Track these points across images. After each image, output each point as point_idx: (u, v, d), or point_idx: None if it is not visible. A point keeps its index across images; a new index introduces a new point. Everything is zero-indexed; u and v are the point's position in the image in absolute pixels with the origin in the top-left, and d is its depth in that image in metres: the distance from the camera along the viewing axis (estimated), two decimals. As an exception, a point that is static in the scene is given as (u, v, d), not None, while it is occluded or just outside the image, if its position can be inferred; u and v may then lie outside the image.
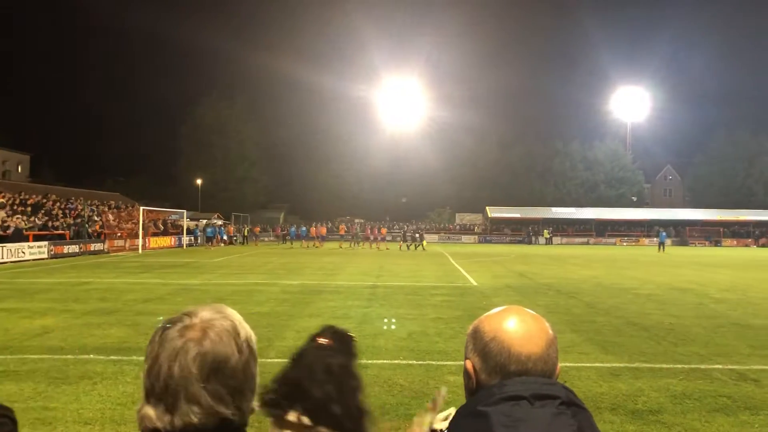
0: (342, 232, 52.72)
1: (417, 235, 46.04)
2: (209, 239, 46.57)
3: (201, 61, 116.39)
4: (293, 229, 51.78)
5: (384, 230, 52.26)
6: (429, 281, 18.97)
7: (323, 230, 52.04)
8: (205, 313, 1.22)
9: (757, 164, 78.06)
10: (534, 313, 1.29)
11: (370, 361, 7.82)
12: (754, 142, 78.83)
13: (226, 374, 1.15)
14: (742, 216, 68.72)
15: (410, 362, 7.82)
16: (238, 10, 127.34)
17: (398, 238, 51.44)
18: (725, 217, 68.46)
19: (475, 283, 18.64)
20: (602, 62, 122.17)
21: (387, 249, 43.69)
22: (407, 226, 56.87)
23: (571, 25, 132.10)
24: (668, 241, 63.09)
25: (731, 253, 46.78)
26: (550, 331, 1.26)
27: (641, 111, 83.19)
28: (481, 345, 1.23)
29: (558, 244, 62.37)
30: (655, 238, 65.45)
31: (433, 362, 7.82)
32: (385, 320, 11.02)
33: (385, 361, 7.85)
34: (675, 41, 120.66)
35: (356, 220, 72.24)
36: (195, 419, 1.12)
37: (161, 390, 1.14)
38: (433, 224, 72.31)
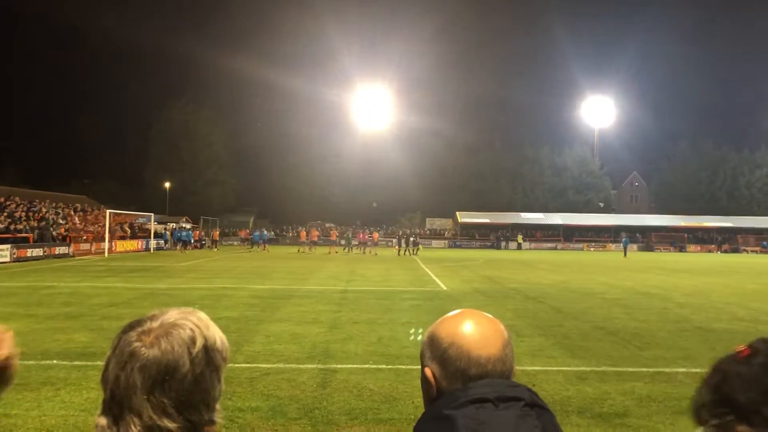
0: (333, 237, 50.83)
1: (412, 239, 45.92)
2: (184, 243, 46.33)
3: (170, 64, 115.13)
4: (257, 233, 51.02)
5: (376, 235, 51.26)
6: (399, 286, 19.00)
7: (315, 234, 49.68)
8: (167, 318, 1.17)
9: (720, 172, 79.93)
10: (488, 315, 1.30)
11: (339, 366, 7.80)
12: (717, 150, 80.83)
13: (173, 386, 1.10)
14: (706, 222, 70.14)
15: (380, 367, 7.82)
16: (208, 13, 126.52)
17: (393, 243, 50.95)
18: (689, 224, 69.80)
19: (444, 288, 18.71)
20: (570, 70, 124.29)
21: (376, 254, 43.04)
22: (402, 231, 55.23)
23: (541, 34, 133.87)
24: (633, 247, 64.32)
25: (695, 258, 47.72)
26: (505, 333, 1.27)
27: (608, 119, 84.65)
28: (439, 352, 1.23)
29: (527, 249, 62.96)
30: (622, 243, 66.72)
31: (403, 366, 7.82)
32: (412, 331, 10.69)
33: (354, 366, 7.84)
34: (641, 52, 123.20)
35: (327, 225, 72.08)
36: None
37: (109, 398, 1.11)
38: (403, 229, 72.48)
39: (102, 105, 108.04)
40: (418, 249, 45.65)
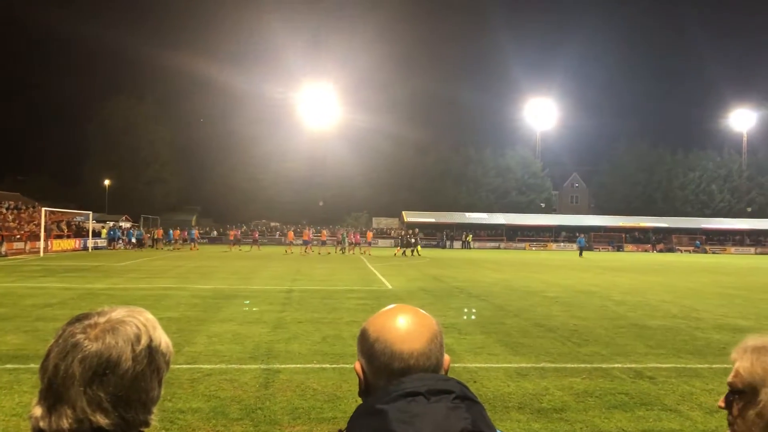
0: (324, 238, 48.78)
1: (413, 240, 44.12)
2: (139, 241, 46.27)
3: (110, 59, 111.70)
4: (171, 231, 50.29)
5: (370, 234, 48.82)
6: (345, 285, 18.98)
7: (306, 234, 46.87)
8: (115, 314, 1.17)
9: (656, 173, 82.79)
10: (419, 310, 1.32)
11: (283, 366, 7.75)
12: (653, 152, 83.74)
13: (112, 381, 1.09)
14: (642, 223, 72.51)
15: (324, 366, 7.80)
16: (149, 7, 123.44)
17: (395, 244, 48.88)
18: (627, 224, 72.01)
19: (390, 287, 18.80)
20: (513, 73, 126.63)
21: (370, 254, 42.44)
22: (403, 232, 50.48)
23: (485, 37, 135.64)
24: (573, 246, 65.79)
25: (632, 257, 49.22)
26: (435, 327, 1.28)
27: (550, 121, 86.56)
28: (366, 347, 1.27)
29: (472, 248, 63.86)
30: (563, 243, 68.33)
31: (347, 365, 7.82)
32: (465, 310, 11.20)
33: (298, 366, 7.80)
34: (581, 56, 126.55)
35: (272, 224, 71.33)
36: (65, 424, 1.07)
37: (46, 388, 1.10)
38: (350, 228, 72.42)
39: (37, 99, 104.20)
40: (417, 249, 43.34)
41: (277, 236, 65.46)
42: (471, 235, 66.35)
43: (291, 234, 48.48)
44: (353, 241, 46.57)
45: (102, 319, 1.15)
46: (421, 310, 1.32)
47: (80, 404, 1.07)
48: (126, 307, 1.21)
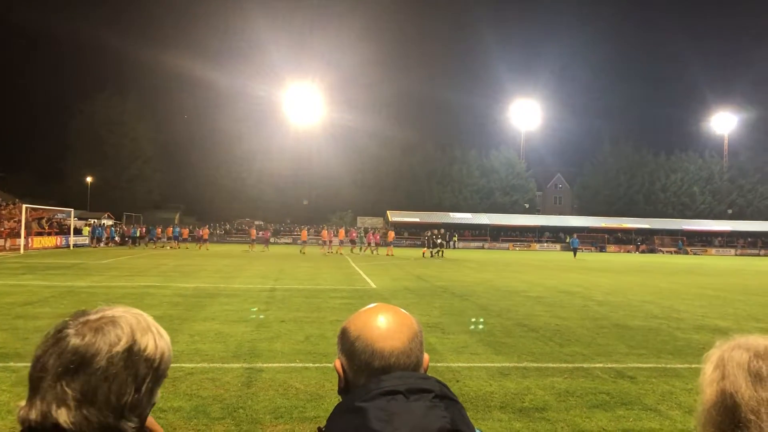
0: (341, 237, 46.75)
1: (440, 241, 42.24)
2: (134, 239, 46.46)
3: (92, 56, 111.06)
4: (153, 228, 50.12)
5: (392, 234, 48.04)
6: (328, 284, 18.96)
7: (325, 235, 45.16)
8: (109, 313, 1.16)
9: (638, 175, 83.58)
10: (399, 308, 1.33)
11: (265, 365, 7.73)
12: (636, 154, 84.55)
13: (80, 379, 1.08)
14: (625, 224, 73.17)
15: (306, 365, 7.79)
16: (132, 4, 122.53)
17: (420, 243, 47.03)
18: (609, 225, 72.63)
19: (374, 286, 18.80)
20: (499, 74, 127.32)
21: (392, 254, 41.67)
22: (430, 232, 46.37)
23: (471, 38, 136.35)
24: (557, 247, 66.49)
25: (614, 258, 49.58)
26: (415, 326, 1.29)
27: (535, 122, 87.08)
28: (347, 345, 1.27)
29: (456, 248, 64.09)
30: (546, 243, 68.79)
31: (330, 364, 7.81)
32: (473, 320, 11.27)
33: (281, 365, 7.78)
34: (566, 58, 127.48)
35: (256, 222, 70.99)
36: (33, 415, 1.06)
37: (28, 379, 1.11)
38: (335, 227, 72.28)
39: (18, 95, 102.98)
40: (442, 251, 42.19)
41: (259, 235, 65.04)
42: (456, 235, 66.63)
43: (305, 233, 47.46)
44: (371, 241, 45.31)
45: (94, 317, 1.14)
46: (402, 309, 1.33)
47: (48, 397, 1.07)
48: (125, 307, 1.19)
